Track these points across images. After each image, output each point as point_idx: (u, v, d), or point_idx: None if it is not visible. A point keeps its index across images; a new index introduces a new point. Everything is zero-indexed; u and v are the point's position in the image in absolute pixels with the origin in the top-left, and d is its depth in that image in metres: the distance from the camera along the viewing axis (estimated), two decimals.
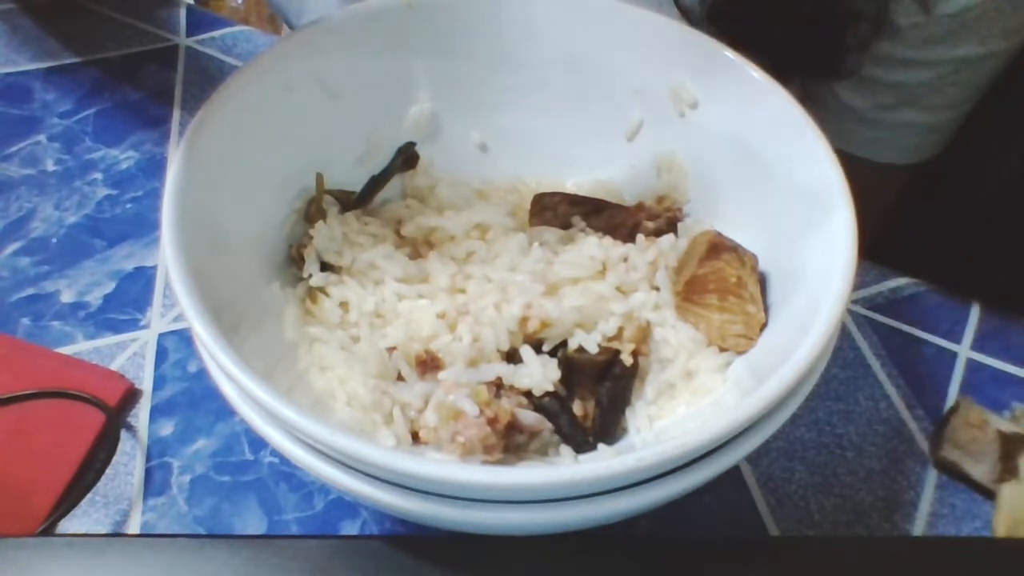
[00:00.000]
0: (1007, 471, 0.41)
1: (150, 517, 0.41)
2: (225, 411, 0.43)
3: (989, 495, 0.42)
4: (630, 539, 0.37)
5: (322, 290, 0.41)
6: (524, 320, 0.38)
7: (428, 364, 0.38)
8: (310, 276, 0.41)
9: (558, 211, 0.43)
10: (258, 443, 0.43)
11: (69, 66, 0.63)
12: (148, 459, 0.43)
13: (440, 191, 0.45)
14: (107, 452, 0.41)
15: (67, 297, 0.49)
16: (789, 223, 0.40)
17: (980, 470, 0.42)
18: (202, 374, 0.45)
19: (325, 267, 0.42)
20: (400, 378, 0.39)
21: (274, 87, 0.41)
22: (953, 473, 0.43)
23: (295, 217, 0.43)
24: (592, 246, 0.41)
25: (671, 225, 0.44)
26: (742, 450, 0.32)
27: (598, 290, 0.40)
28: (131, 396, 0.45)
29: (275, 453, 0.42)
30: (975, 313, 0.50)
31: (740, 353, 0.39)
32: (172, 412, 0.44)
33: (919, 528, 0.41)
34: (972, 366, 0.47)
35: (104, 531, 0.40)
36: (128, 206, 0.54)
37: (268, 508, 0.41)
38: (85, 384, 0.43)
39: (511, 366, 0.38)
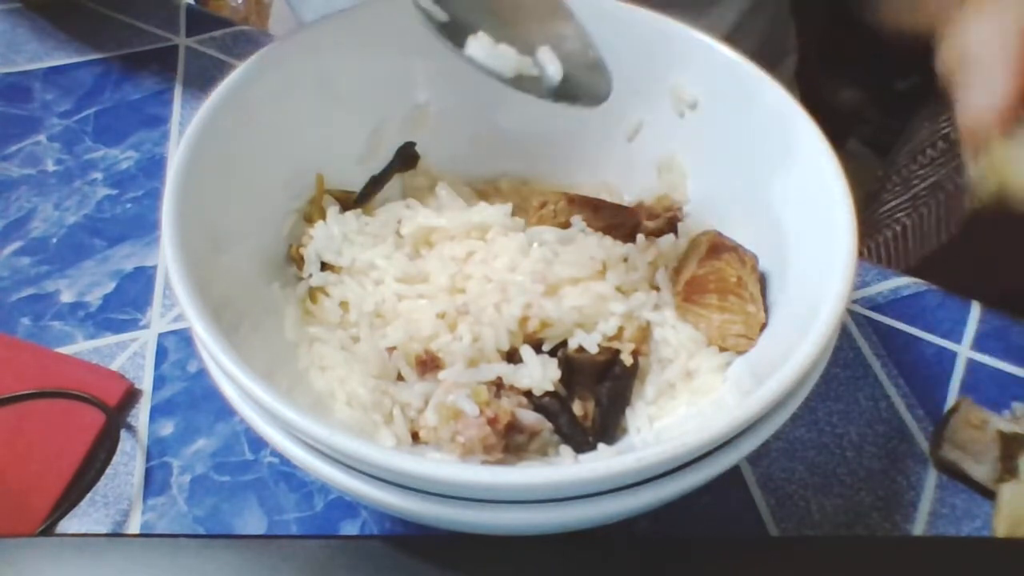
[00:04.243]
0: (1007, 471, 0.41)
1: (150, 517, 0.41)
2: (225, 411, 0.43)
3: (989, 495, 0.42)
4: (630, 539, 0.37)
5: (322, 290, 0.41)
6: (524, 320, 0.38)
7: (428, 364, 0.38)
8: (310, 276, 0.41)
9: (558, 211, 0.43)
10: (258, 443, 0.43)
11: (69, 66, 0.63)
12: (148, 459, 0.43)
13: (440, 191, 0.45)
14: (107, 452, 0.41)
15: (67, 297, 0.49)
16: (789, 223, 0.40)
17: (980, 470, 0.42)
18: (202, 374, 0.45)
19: (325, 267, 0.42)
20: (400, 378, 0.39)
21: (274, 87, 0.41)
22: (953, 473, 0.43)
23: (295, 217, 0.43)
24: (592, 246, 0.41)
25: (671, 225, 0.44)
26: (742, 450, 0.32)
27: (598, 290, 0.39)
28: (131, 396, 0.45)
29: (275, 453, 0.42)
30: (975, 313, 0.50)
31: (740, 353, 0.39)
32: (172, 412, 0.44)
33: (919, 528, 0.41)
34: (972, 366, 0.47)
35: (104, 531, 0.40)
36: (128, 206, 0.54)
37: (268, 508, 0.41)
38: (85, 384, 0.43)
39: (511, 366, 0.38)
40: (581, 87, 0.38)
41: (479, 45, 0.37)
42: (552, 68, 0.37)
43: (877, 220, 0.64)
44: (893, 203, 0.66)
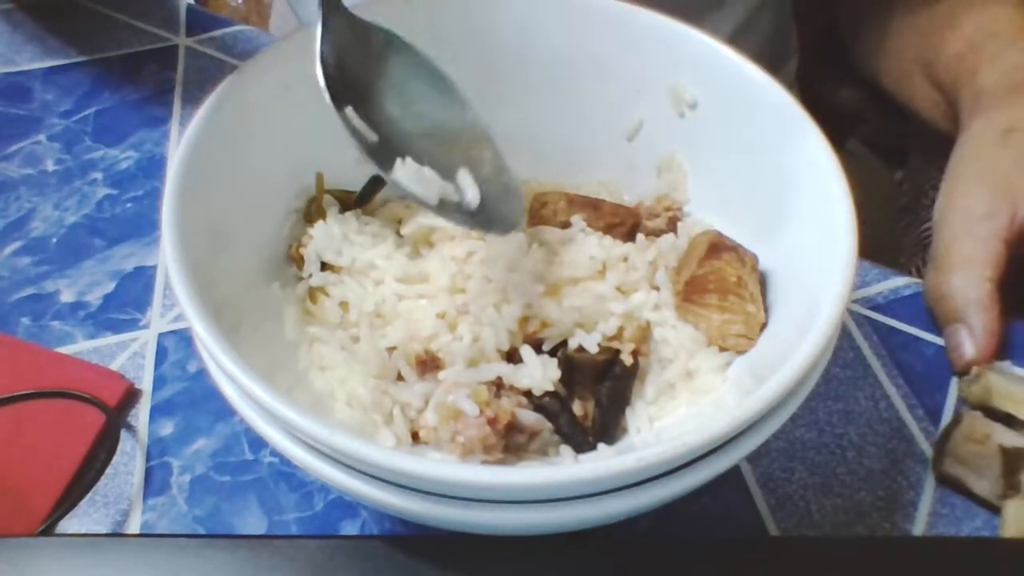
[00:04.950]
0: (1010, 487, 0.40)
1: (150, 517, 0.41)
2: (225, 411, 0.43)
3: (993, 509, 0.41)
4: (630, 539, 0.37)
5: (322, 290, 0.41)
6: (524, 320, 0.38)
7: (428, 364, 0.38)
8: (310, 276, 0.41)
9: (558, 211, 0.43)
10: (258, 443, 0.43)
11: (69, 66, 0.63)
12: (148, 459, 0.43)
13: None
14: (107, 452, 0.41)
15: (67, 297, 0.49)
16: (789, 223, 0.40)
17: (983, 485, 0.41)
18: (202, 374, 0.45)
19: (325, 267, 0.42)
20: (400, 378, 0.39)
21: (274, 87, 0.41)
22: (956, 488, 0.42)
23: (295, 217, 0.43)
24: (592, 246, 0.41)
25: (671, 225, 0.44)
26: (742, 450, 0.32)
27: (598, 290, 0.39)
28: (131, 396, 0.45)
29: (275, 453, 0.42)
30: None
31: (740, 353, 0.39)
32: (172, 412, 0.44)
33: (919, 528, 0.41)
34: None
35: (104, 531, 0.40)
36: (128, 206, 0.54)
37: (268, 508, 0.41)
38: (85, 384, 0.43)
39: (511, 366, 0.38)
40: (495, 213, 0.38)
41: (405, 170, 0.37)
42: (471, 192, 0.38)
43: (922, 238, 0.64)
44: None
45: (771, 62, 0.42)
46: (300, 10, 0.71)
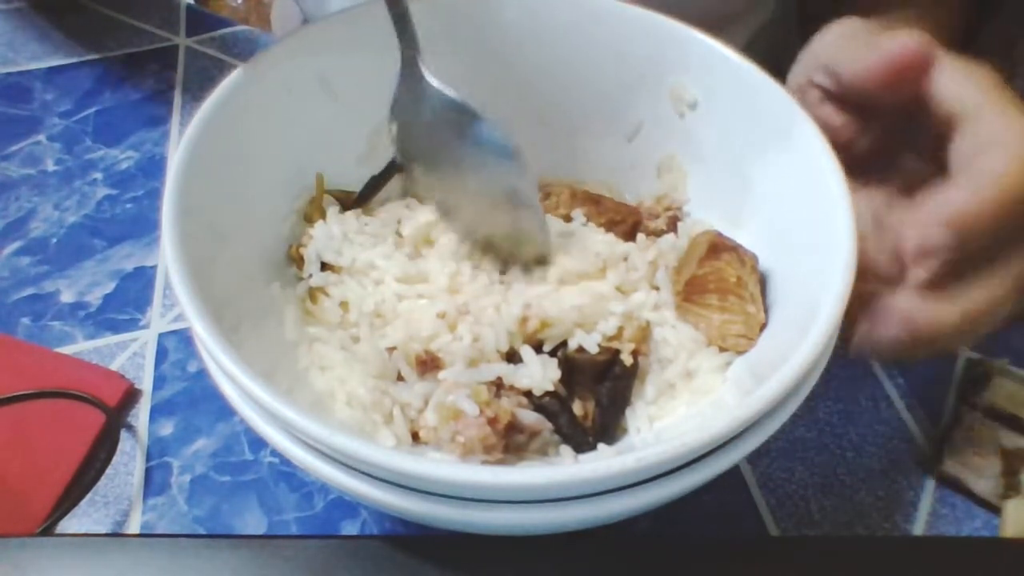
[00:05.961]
0: (1011, 487, 0.41)
1: (150, 517, 0.41)
2: (225, 411, 0.43)
3: (993, 510, 0.41)
4: (630, 539, 0.37)
5: (322, 290, 0.41)
6: (524, 320, 0.38)
7: (428, 364, 0.38)
8: (310, 276, 0.41)
9: (561, 203, 0.43)
10: (258, 443, 0.43)
11: (69, 66, 0.63)
12: (148, 459, 0.43)
13: None
14: (107, 452, 0.41)
15: (67, 297, 0.49)
16: (789, 223, 0.40)
17: (983, 485, 0.41)
18: (202, 374, 0.45)
19: (325, 267, 0.42)
20: (400, 378, 0.39)
21: (274, 87, 0.41)
22: (956, 488, 0.42)
23: (295, 217, 0.43)
24: (594, 241, 0.41)
25: (671, 225, 0.44)
26: (742, 450, 0.32)
27: (598, 290, 0.39)
28: (131, 396, 0.45)
29: (275, 453, 0.43)
30: None
31: (740, 353, 0.39)
32: (172, 412, 0.44)
33: (919, 528, 0.41)
34: (972, 366, 0.47)
35: (104, 531, 0.40)
36: (128, 206, 0.54)
37: (268, 508, 0.41)
38: (85, 384, 0.43)
39: (511, 366, 0.38)
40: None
41: None
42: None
43: None
44: None
45: (777, 66, 0.42)
46: (305, 5, 0.71)
